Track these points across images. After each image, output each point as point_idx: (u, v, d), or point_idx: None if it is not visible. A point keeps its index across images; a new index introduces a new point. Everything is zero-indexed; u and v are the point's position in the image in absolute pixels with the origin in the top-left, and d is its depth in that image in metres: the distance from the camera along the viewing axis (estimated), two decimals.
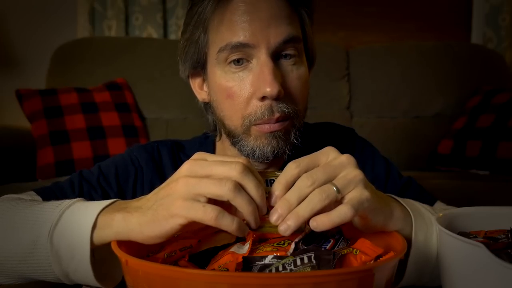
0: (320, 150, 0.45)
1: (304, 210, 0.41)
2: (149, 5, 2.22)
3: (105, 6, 2.21)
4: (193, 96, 0.73)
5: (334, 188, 0.41)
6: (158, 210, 0.42)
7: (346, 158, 0.44)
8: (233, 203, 0.40)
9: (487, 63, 2.08)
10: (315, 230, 0.41)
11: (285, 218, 0.41)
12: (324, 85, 2.00)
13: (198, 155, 0.45)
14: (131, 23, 2.25)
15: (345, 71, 2.07)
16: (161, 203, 0.42)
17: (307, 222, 0.51)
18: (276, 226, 0.42)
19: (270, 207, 0.43)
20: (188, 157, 0.76)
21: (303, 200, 0.41)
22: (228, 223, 0.40)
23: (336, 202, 0.42)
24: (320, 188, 0.41)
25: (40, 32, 2.22)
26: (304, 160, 0.44)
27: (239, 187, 0.41)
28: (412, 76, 2.03)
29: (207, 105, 0.70)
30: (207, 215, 0.39)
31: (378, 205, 0.45)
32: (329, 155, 0.45)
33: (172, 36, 2.26)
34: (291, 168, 0.43)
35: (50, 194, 0.64)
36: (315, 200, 0.41)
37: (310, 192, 0.41)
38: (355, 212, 0.41)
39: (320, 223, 0.41)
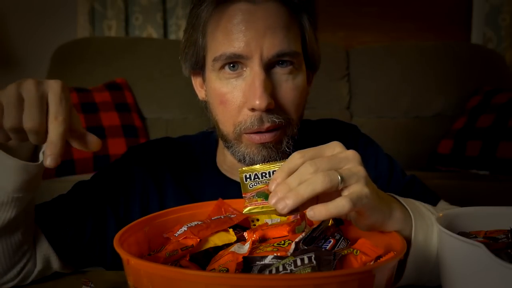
0: (326, 144, 0.45)
1: (304, 189, 0.40)
2: (149, 5, 2.22)
3: (105, 6, 2.21)
4: (193, 96, 0.74)
5: (338, 176, 0.41)
6: None
7: (351, 153, 0.44)
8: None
9: (487, 63, 2.08)
10: (311, 219, 0.41)
11: (284, 196, 0.40)
12: (324, 85, 2.00)
13: None
14: (131, 23, 2.26)
15: (345, 71, 2.07)
16: None
17: (307, 221, 0.51)
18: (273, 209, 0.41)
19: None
20: (188, 153, 0.76)
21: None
22: None
23: (336, 192, 0.42)
24: (324, 172, 0.41)
25: (40, 32, 2.22)
26: (309, 151, 0.43)
27: None
28: (412, 76, 2.03)
29: (207, 104, 0.70)
30: None
31: (377, 204, 0.45)
32: (334, 149, 0.44)
33: (172, 36, 2.26)
34: (296, 157, 0.43)
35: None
36: (318, 181, 0.40)
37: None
38: (353, 206, 0.40)
39: (317, 212, 0.40)
